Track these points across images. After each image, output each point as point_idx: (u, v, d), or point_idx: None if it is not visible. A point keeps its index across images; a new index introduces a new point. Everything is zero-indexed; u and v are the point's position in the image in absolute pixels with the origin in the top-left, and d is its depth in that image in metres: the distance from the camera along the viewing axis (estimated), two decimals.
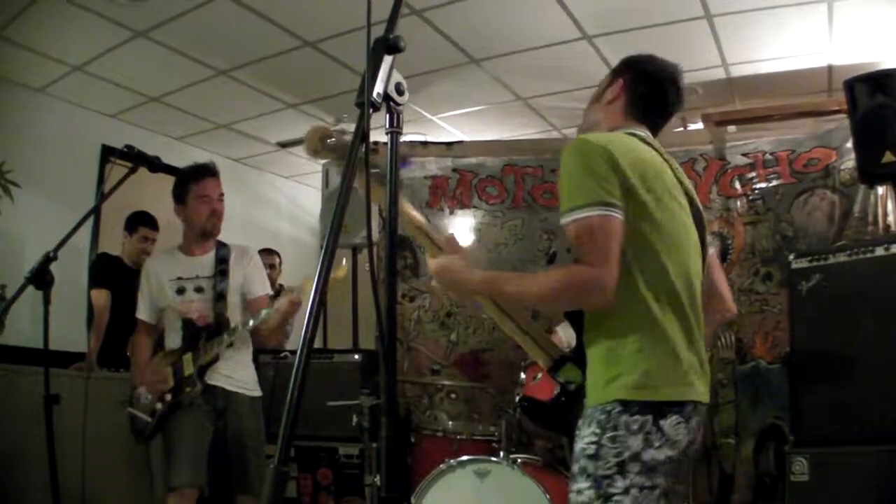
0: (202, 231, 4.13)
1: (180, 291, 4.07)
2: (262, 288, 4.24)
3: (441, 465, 3.67)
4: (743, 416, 5.65)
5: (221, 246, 4.23)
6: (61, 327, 4.15)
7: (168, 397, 3.90)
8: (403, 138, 6.15)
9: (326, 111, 6.87)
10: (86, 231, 4.12)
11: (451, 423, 4.68)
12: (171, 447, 3.86)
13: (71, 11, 5.17)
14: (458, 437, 4.09)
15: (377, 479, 3.05)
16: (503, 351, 5.92)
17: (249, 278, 4.21)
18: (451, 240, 2.36)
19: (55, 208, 5.75)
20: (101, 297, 5.64)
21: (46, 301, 3.17)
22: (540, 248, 6.16)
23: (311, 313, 1.40)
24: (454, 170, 6.32)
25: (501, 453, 3.91)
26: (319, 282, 1.41)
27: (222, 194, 4.21)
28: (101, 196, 3.64)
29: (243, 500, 3.95)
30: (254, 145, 7.52)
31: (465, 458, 3.84)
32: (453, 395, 5.30)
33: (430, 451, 4.06)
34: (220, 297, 4.05)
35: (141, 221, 5.86)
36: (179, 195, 4.20)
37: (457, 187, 6.33)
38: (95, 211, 3.43)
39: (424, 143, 6.48)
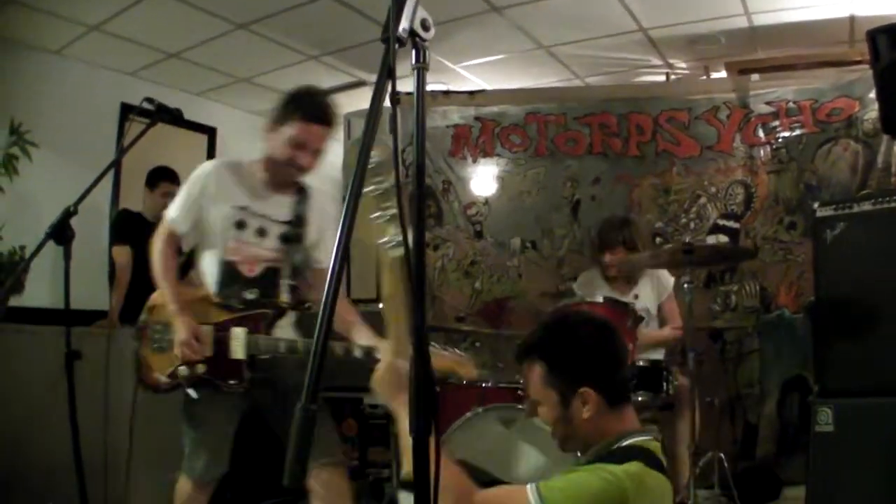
0: (275, 175, 3.34)
1: (240, 225, 3.27)
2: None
3: (467, 413, 3.69)
4: (767, 366, 5.72)
5: (301, 192, 3.45)
6: (83, 286, 4.19)
7: (200, 369, 3.17)
8: (426, 87, 6.11)
9: (347, 62, 6.89)
10: (106, 189, 4.10)
11: (476, 371, 4.70)
12: (191, 430, 3.29)
13: None
14: (484, 385, 4.14)
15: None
16: (527, 299, 6.04)
17: (323, 242, 3.44)
18: None
19: (75, 168, 5.71)
20: (123, 253, 5.61)
21: (67, 256, 3.13)
22: (563, 195, 6.25)
23: (335, 264, 1.41)
24: (476, 118, 6.40)
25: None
26: (343, 231, 1.40)
27: (319, 151, 3.32)
28: (121, 150, 3.50)
29: (324, 470, 3.17)
30: (275, 98, 7.50)
31: (490, 406, 3.84)
32: (477, 344, 5.37)
33: (454, 400, 4.09)
34: (284, 254, 3.35)
35: (162, 176, 5.86)
36: (276, 118, 3.30)
37: (479, 136, 6.41)
38: (116, 164, 3.42)
39: (446, 93, 6.54)
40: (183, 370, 3.15)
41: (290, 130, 3.21)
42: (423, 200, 1.58)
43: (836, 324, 4.48)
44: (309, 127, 3.22)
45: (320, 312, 1.38)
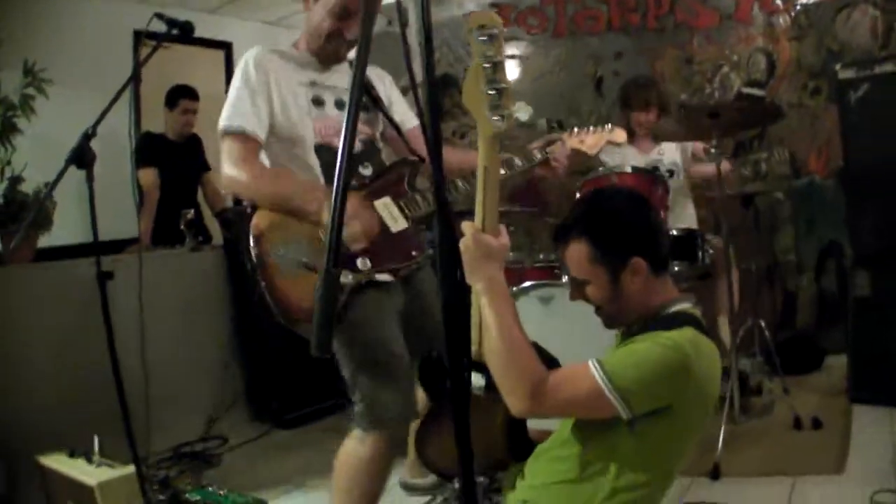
0: (323, 51, 2.91)
1: (318, 102, 2.89)
2: (413, 119, 3.12)
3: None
4: (801, 234, 5.73)
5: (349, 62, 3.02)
6: (111, 217, 4.20)
7: (366, 264, 2.67)
8: None
9: None
10: (124, 116, 4.08)
11: (511, 254, 4.73)
12: (364, 355, 2.71)
13: None
14: (520, 266, 4.18)
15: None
16: (558, 178, 6.04)
17: (400, 104, 3.17)
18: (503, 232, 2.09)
19: (93, 102, 5.63)
20: (149, 175, 5.65)
21: (90, 179, 3.06)
22: (585, 73, 6.23)
23: (344, 146, 1.43)
24: (492, 4, 6.34)
25: (564, 278, 3.85)
26: (348, 127, 1.42)
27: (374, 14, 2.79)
28: (135, 69, 3.40)
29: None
30: (289, 4, 7.48)
31: (527, 284, 3.90)
32: (511, 228, 5.38)
33: None
34: (372, 123, 3.03)
35: (180, 94, 5.89)
36: None
37: None
38: (134, 85, 3.29)
39: None
40: (362, 262, 2.65)
41: None
42: (436, 91, 1.54)
43: (867, 187, 4.48)
44: None
45: (335, 181, 1.39)
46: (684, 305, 2.16)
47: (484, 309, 2.00)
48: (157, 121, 6.08)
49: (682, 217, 4.91)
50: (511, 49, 6.39)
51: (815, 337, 5.50)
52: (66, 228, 4.93)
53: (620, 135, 3.36)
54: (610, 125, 3.37)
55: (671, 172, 4.63)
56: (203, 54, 7.39)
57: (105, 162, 3.20)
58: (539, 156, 3.07)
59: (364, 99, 2.94)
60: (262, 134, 2.73)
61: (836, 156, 5.32)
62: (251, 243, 2.64)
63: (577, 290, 2.20)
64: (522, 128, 5.91)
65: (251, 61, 2.78)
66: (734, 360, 4.18)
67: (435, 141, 1.44)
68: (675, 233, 4.20)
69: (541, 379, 1.94)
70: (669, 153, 5.03)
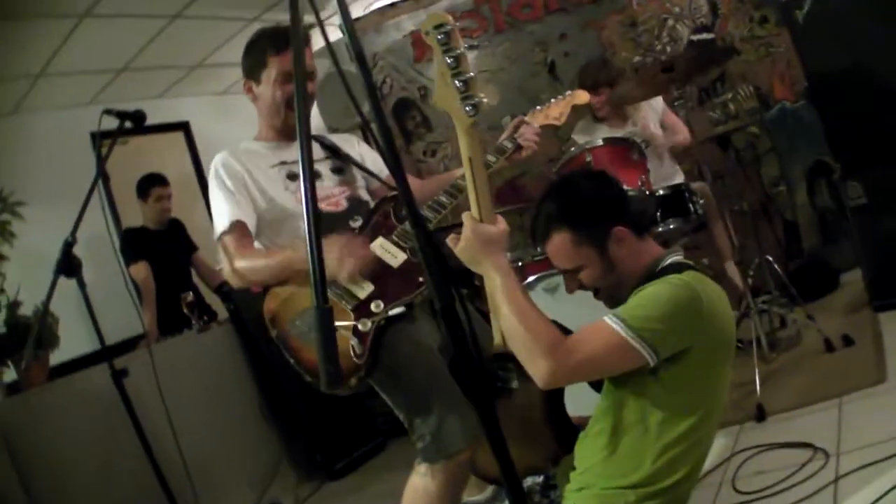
0: (285, 120, 2.99)
1: (293, 177, 2.96)
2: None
3: None
4: (785, 161, 5.73)
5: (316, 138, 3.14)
6: (114, 318, 4.22)
7: (379, 306, 2.64)
8: (371, 8, 6.09)
9: (286, 11, 6.85)
10: (102, 216, 4.06)
11: (509, 254, 4.73)
12: (415, 393, 2.67)
13: (12, 26, 5.17)
14: (520, 263, 4.19)
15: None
16: (536, 170, 6.05)
17: (373, 159, 3.22)
18: (499, 219, 2.15)
19: (69, 210, 5.77)
20: (141, 269, 5.66)
21: (82, 286, 3.13)
22: (536, 62, 6.22)
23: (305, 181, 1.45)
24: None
25: None
26: (303, 156, 1.46)
27: (312, 72, 3.03)
28: (98, 169, 3.38)
29: None
30: (234, 71, 7.50)
31: (531, 278, 3.95)
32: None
33: None
34: (350, 183, 3.09)
35: (150, 183, 5.90)
36: (252, 70, 3.01)
37: None
38: (102, 181, 3.33)
39: (392, 5, 6.47)
40: (375, 305, 2.64)
41: (273, 69, 2.93)
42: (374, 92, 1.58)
43: (835, 99, 4.50)
44: (288, 54, 2.90)
45: (306, 224, 1.41)
46: (676, 257, 2.20)
47: (493, 292, 2.05)
48: (134, 212, 6.11)
49: (668, 175, 4.93)
50: None
51: (826, 258, 5.50)
52: (74, 341, 4.93)
53: (583, 96, 3.36)
54: (569, 91, 3.38)
55: (646, 144, 4.64)
56: (164, 139, 7.45)
57: (96, 266, 3.23)
58: (510, 144, 3.07)
59: (335, 162, 3.09)
60: (251, 222, 2.82)
61: (800, 77, 5.34)
62: (269, 327, 2.72)
63: (572, 280, 2.23)
64: (491, 130, 5.95)
65: (220, 167, 2.89)
66: (751, 300, 4.19)
67: (391, 150, 1.48)
68: (662, 192, 4.20)
69: (558, 339, 1.96)
70: (646, 120, 5.06)
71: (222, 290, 5.71)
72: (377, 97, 1.50)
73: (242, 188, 2.85)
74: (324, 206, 2.92)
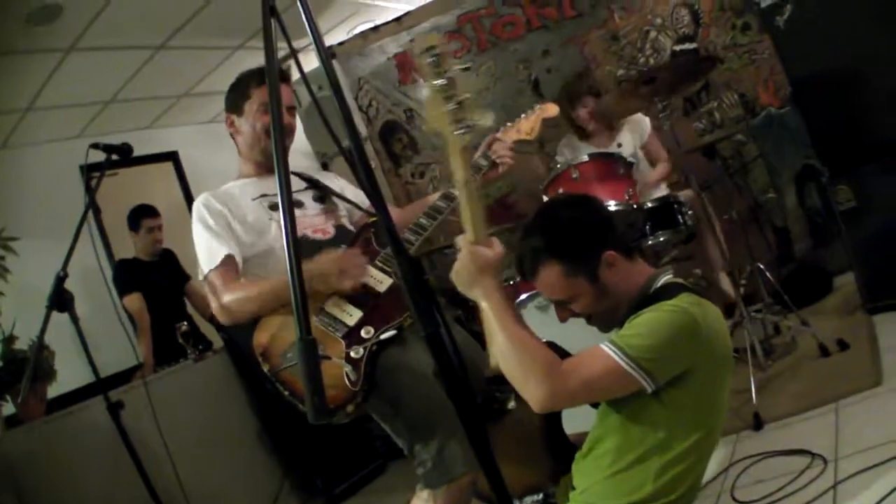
0: (264, 150, 3.03)
1: (275, 208, 2.96)
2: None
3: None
4: (774, 167, 5.75)
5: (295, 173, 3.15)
6: (109, 351, 4.21)
7: (369, 332, 2.66)
8: (354, 32, 6.09)
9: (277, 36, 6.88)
10: (93, 249, 4.02)
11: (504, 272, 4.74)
12: (414, 418, 2.64)
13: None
14: (511, 282, 4.20)
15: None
16: (525, 186, 6.05)
17: (353, 191, 3.24)
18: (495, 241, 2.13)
19: (62, 245, 5.79)
20: (135, 301, 5.66)
21: (74, 319, 3.15)
22: (520, 79, 6.25)
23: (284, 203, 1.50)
24: (412, 40, 6.34)
25: None
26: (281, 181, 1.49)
27: (293, 107, 3.08)
28: (88, 203, 3.39)
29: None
30: (221, 100, 7.49)
31: (522, 296, 3.95)
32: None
33: None
34: (332, 211, 3.12)
35: (141, 215, 5.90)
36: (235, 102, 3.06)
37: None
38: (93, 214, 3.36)
39: (375, 28, 6.50)
40: (365, 332, 2.64)
41: (256, 101, 2.99)
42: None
43: (819, 102, 4.52)
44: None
45: (286, 249, 1.43)
46: (667, 278, 2.19)
47: (486, 316, 2.03)
48: (126, 245, 6.10)
49: (654, 188, 4.94)
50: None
51: (818, 262, 5.52)
52: (72, 374, 4.94)
53: (551, 108, 3.35)
54: (538, 105, 3.37)
55: (632, 163, 4.64)
56: (153, 170, 7.48)
57: (89, 298, 3.24)
58: (484, 162, 3.08)
59: (316, 192, 3.11)
60: (238, 256, 2.82)
61: (784, 82, 5.37)
62: (261, 362, 2.68)
63: (565, 310, 2.23)
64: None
65: (202, 208, 2.89)
66: (744, 308, 4.19)
67: (369, 177, 1.49)
68: (650, 205, 4.19)
69: (553, 362, 1.95)
70: (627, 145, 5.08)
71: (216, 319, 5.69)
72: (354, 126, 1.51)
73: (225, 225, 2.87)
74: (311, 233, 2.94)
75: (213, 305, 2.81)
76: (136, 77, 6.43)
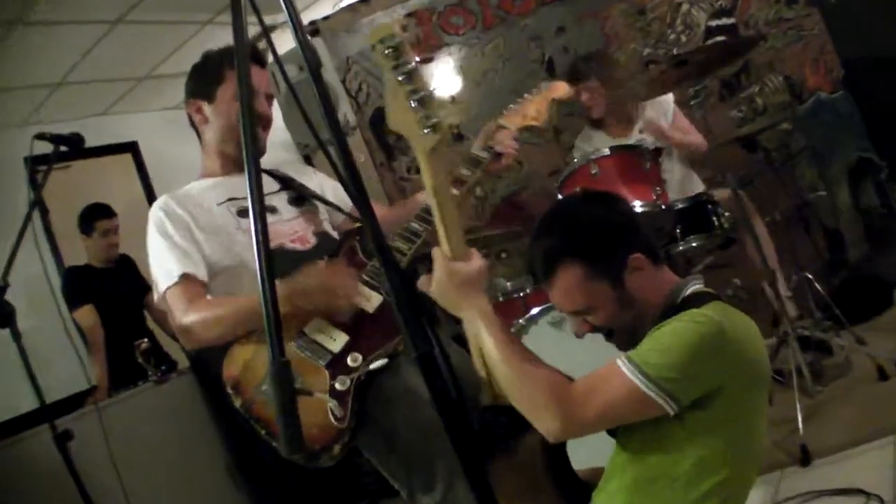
0: (237, 149, 2.94)
1: (244, 214, 2.85)
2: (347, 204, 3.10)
3: (511, 329, 3.76)
4: (824, 161, 5.73)
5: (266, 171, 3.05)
6: (57, 372, 4.17)
7: (357, 359, 2.56)
8: (340, 5, 6.08)
9: (248, 11, 6.84)
10: (38, 254, 3.95)
11: (509, 283, 4.77)
12: (411, 458, 2.59)
13: None
14: (521, 294, 4.19)
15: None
16: (538, 185, 6.06)
17: (333, 186, 3.17)
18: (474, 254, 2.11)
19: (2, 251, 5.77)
20: (86, 314, 5.65)
21: (16, 336, 3.13)
22: (532, 59, 6.25)
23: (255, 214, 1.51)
24: (408, 15, 6.37)
25: None
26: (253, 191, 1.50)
27: (270, 95, 3.01)
28: (33, 203, 3.37)
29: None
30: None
31: (534, 311, 3.94)
32: (504, 255, 5.30)
33: (498, 314, 4.17)
34: (313, 216, 3.06)
35: (94, 215, 5.87)
36: (205, 87, 2.95)
37: (418, 32, 6.39)
38: (40, 213, 3.34)
39: (365, 0, 6.48)
40: (352, 359, 2.55)
41: (232, 86, 2.85)
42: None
43: (878, 87, 4.50)
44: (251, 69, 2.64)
45: (258, 265, 1.45)
46: (697, 286, 2.18)
47: (479, 339, 2.03)
48: (80, 251, 6.08)
49: (685, 185, 4.94)
50: (444, 57, 6.41)
51: (876, 270, 5.44)
52: (14, 399, 4.92)
53: (560, 87, 3.29)
54: (544, 83, 3.31)
55: (658, 151, 4.63)
56: (109, 163, 7.44)
57: (34, 312, 3.22)
58: (486, 154, 3.01)
59: (291, 193, 3.04)
60: (201, 273, 2.74)
61: (835, 63, 5.36)
62: (232, 396, 2.59)
63: (583, 321, 2.21)
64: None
65: (160, 212, 2.80)
66: (789, 324, 4.18)
67: (353, 176, 1.48)
68: (680, 205, 4.19)
69: (562, 387, 1.96)
70: (649, 123, 5.05)
71: None
72: (334, 116, 1.50)
73: (187, 236, 2.78)
74: (288, 243, 2.88)
75: (174, 326, 2.73)
76: (89, 55, 6.39)
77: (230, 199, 2.90)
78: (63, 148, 3.33)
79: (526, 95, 3.27)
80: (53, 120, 6.92)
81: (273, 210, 2.92)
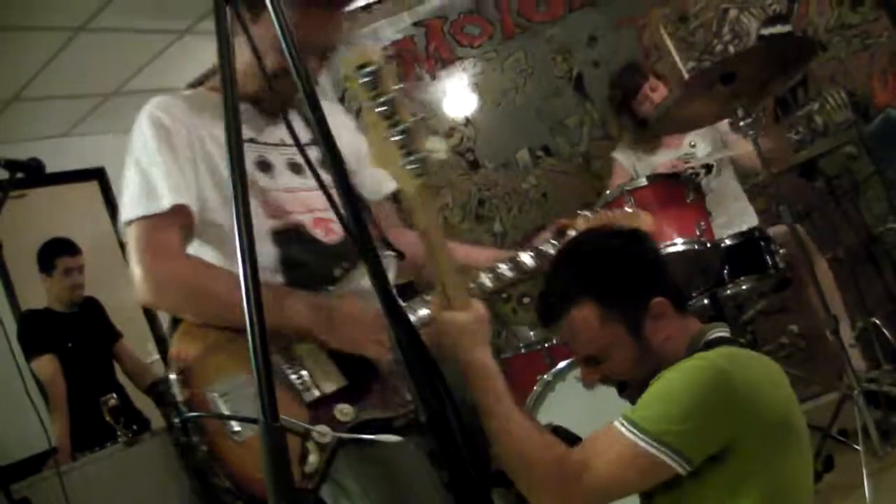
0: (267, 90, 2.40)
1: (263, 166, 2.54)
2: (386, 184, 2.70)
3: (536, 387, 3.82)
4: (895, 188, 5.75)
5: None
6: (13, 431, 4.16)
7: (344, 414, 2.28)
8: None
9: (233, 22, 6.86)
10: None
11: (532, 333, 4.78)
12: None
13: None
14: (546, 345, 4.22)
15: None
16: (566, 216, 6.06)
17: (366, 167, 2.46)
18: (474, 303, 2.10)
19: None
20: (46, 364, 5.61)
21: None
22: (558, 74, 6.24)
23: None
24: (416, 24, 6.39)
25: None
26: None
27: (331, 47, 2.56)
28: None
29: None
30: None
31: (561, 365, 3.95)
32: (526, 300, 5.30)
33: (520, 373, 4.12)
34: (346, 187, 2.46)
35: (56, 252, 5.87)
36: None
37: (428, 43, 6.39)
38: None
39: (366, 7, 6.47)
40: (348, 417, 2.29)
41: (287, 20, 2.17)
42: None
43: None
44: (314, 12, 2.39)
45: (245, 306, 1.39)
46: (721, 333, 2.19)
47: (477, 396, 2.05)
48: (40, 292, 6.07)
49: (737, 218, 4.95)
50: (458, 74, 6.39)
51: None
52: None
53: (646, 219, 3.26)
54: (629, 208, 3.40)
55: (709, 168, 4.66)
56: (72, 191, 7.47)
57: None
58: (531, 263, 2.90)
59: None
60: (193, 204, 2.37)
61: None
62: (175, 386, 2.22)
63: (594, 370, 2.22)
64: (504, 168, 5.95)
65: (163, 115, 2.42)
66: (854, 377, 4.19)
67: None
68: (728, 242, 4.22)
69: (562, 458, 1.97)
70: (703, 142, 5.08)
71: (155, 390, 5.68)
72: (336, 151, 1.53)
73: (193, 159, 2.42)
74: (309, 223, 2.53)
75: (136, 273, 2.33)
76: (49, 66, 6.44)
77: (250, 141, 2.51)
78: (19, 174, 3.36)
79: (606, 211, 3.30)
80: (7, 141, 6.96)
81: (296, 168, 2.59)
